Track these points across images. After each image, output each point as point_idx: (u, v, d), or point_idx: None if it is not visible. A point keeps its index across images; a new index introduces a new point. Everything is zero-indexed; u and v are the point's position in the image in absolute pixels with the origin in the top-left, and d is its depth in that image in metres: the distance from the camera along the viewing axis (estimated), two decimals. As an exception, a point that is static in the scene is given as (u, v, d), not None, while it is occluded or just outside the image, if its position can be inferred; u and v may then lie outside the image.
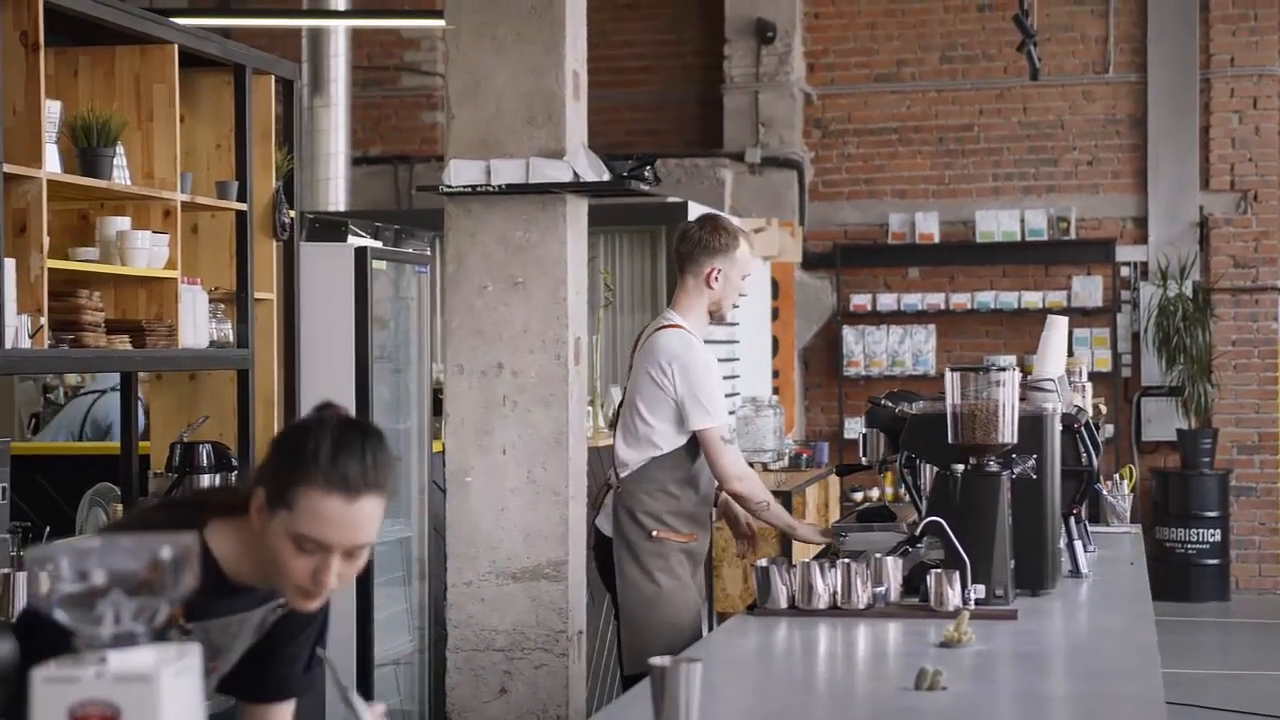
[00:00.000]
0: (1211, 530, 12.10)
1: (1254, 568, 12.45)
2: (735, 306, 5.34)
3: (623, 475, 5.14)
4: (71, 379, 9.34)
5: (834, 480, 11.12)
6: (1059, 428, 4.75)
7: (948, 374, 4.48)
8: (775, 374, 12.28)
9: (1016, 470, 4.53)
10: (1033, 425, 4.59)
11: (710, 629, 5.70)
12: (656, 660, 2.80)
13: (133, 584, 1.82)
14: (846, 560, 4.37)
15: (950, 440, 4.46)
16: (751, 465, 10.25)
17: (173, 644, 1.86)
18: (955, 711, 3.19)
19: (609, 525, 5.21)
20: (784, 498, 9.29)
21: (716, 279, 5.17)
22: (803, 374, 12.96)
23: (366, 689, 6.22)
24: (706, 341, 5.27)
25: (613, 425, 8.48)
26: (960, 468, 4.43)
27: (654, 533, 5.08)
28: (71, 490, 6.13)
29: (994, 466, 4.44)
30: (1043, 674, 3.74)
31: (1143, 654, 3.77)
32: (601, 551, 5.26)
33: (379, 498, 2.61)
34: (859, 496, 11.69)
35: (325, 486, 2.56)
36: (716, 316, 5.25)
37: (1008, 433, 4.42)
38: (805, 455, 10.96)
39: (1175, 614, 11.70)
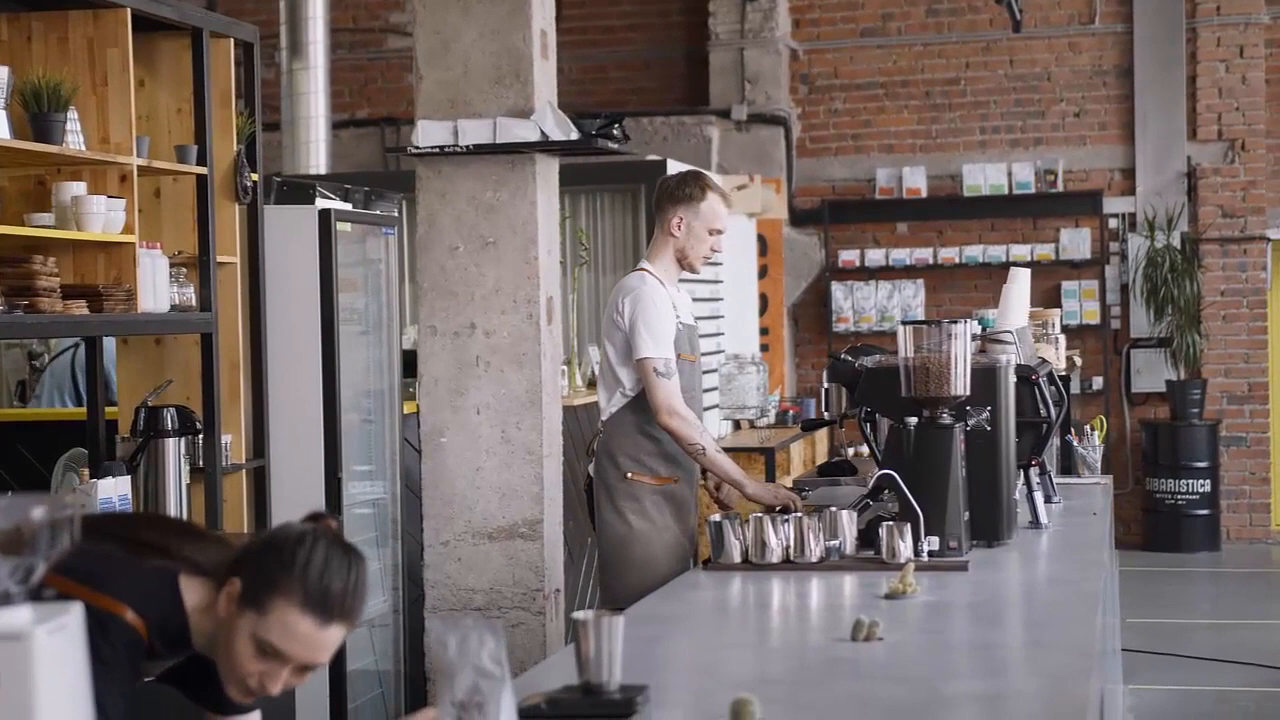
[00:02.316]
0: (1201, 481, 12.10)
1: (1244, 517, 12.45)
2: (708, 260, 5.36)
3: (602, 419, 5.25)
4: (54, 345, 9.35)
5: (821, 436, 11.14)
6: (1013, 379, 4.75)
7: (899, 328, 4.49)
8: (765, 331, 12.28)
9: (970, 422, 4.54)
10: (986, 377, 4.59)
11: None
12: (579, 614, 2.81)
13: (6, 544, 1.83)
14: (799, 514, 4.39)
15: (903, 393, 4.47)
16: (737, 423, 10.36)
17: (51, 603, 1.87)
18: (886, 661, 3.21)
19: (594, 468, 5.28)
20: (767, 454, 9.32)
21: (680, 227, 5.24)
22: (792, 331, 12.96)
23: (339, 650, 6.24)
24: (695, 299, 5.30)
25: (591, 383, 8.54)
26: (913, 420, 4.44)
27: (629, 474, 5.15)
28: (53, 456, 6.15)
29: (947, 419, 4.45)
30: (980, 623, 3.75)
31: (1084, 602, 3.78)
32: (591, 494, 5.34)
33: (347, 627, 2.65)
34: (850, 452, 11.69)
35: (303, 604, 2.59)
36: (685, 265, 5.29)
37: (960, 385, 4.43)
38: (792, 412, 10.98)
39: (1166, 564, 11.72)
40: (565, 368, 8.21)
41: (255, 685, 2.67)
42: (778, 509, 4.85)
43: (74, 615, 1.88)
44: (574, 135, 5.56)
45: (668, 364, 5.07)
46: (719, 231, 5.28)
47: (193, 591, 2.71)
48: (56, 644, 1.83)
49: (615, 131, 5.80)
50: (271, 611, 2.60)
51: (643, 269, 5.26)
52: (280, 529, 2.76)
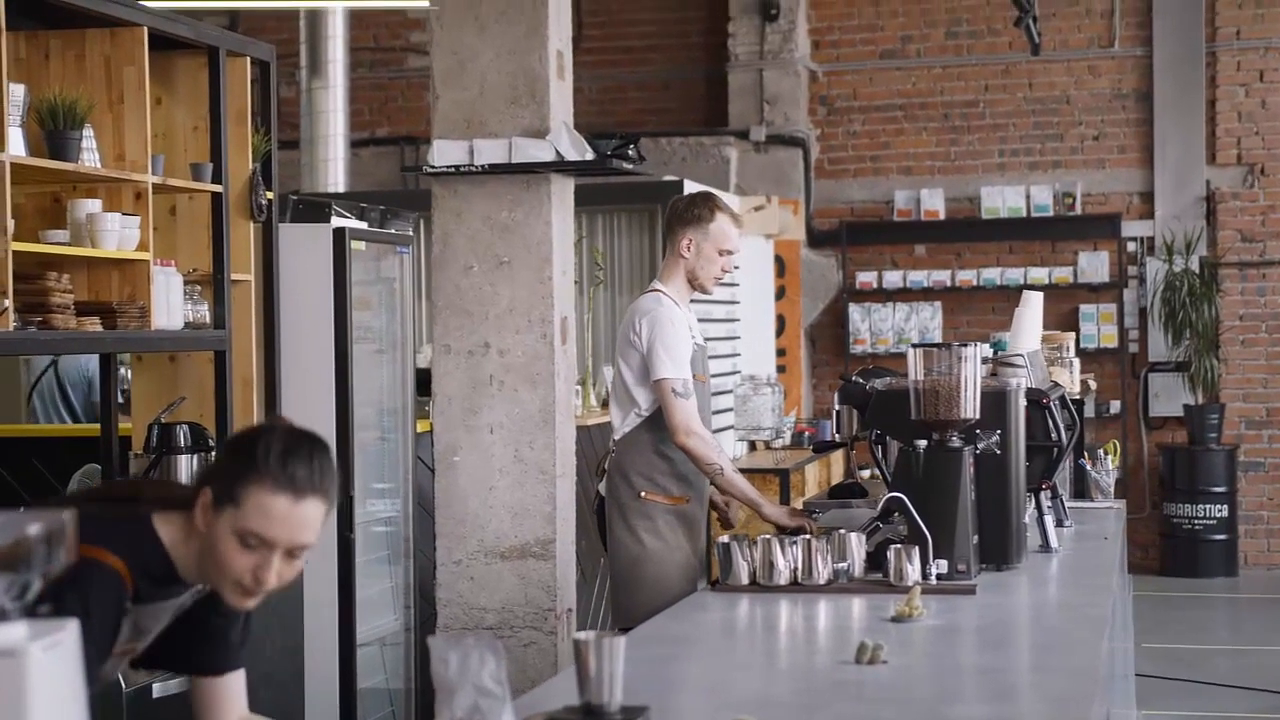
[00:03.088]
0: (1219, 506, 12.05)
1: (1262, 543, 12.40)
2: (719, 280, 5.37)
3: (616, 438, 5.26)
4: (34, 369, 9.38)
5: (838, 457, 11.11)
6: (1023, 403, 4.74)
7: (909, 351, 4.49)
8: (782, 352, 12.28)
9: (980, 445, 4.53)
10: (996, 400, 4.59)
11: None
12: (579, 634, 2.81)
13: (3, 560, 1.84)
14: (807, 536, 4.38)
15: (913, 416, 4.46)
16: (753, 444, 10.35)
17: (46, 620, 1.88)
18: (889, 684, 3.20)
19: (606, 487, 5.29)
20: (782, 476, 9.30)
21: (690, 248, 5.26)
22: (810, 352, 12.95)
23: (348, 668, 6.25)
24: (704, 320, 5.30)
25: (605, 403, 8.54)
26: (923, 443, 4.44)
27: (642, 494, 5.17)
28: (66, 472, 6.18)
29: (957, 442, 4.44)
30: (986, 647, 3.74)
31: (1091, 627, 3.77)
32: (601, 514, 5.34)
33: (322, 502, 2.73)
34: (866, 474, 11.64)
35: (274, 486, 2.68)
36: (697, 286, 5.31)
37: (970, 408, 4.43)
38: (808, 433, 10.95)
39: (1183, 590, 11.68)
40: (579, 387, 8.21)
41: (250, 582, 2.73)
42: (790, 530, 4.85)
43: (69, 632, 1.88)
44: (589, 155, 5.57)
45: (686, 384, 5.08)
46: (729, 252, 5.29)
47: (168, 527, 2.79)
48: (51, 660, 1.83)
49: (630, 152, 5.81)
50: (246, 501, 2.68)
51: (656, 290, 5.28)
52: (237, 434, 2.84)
